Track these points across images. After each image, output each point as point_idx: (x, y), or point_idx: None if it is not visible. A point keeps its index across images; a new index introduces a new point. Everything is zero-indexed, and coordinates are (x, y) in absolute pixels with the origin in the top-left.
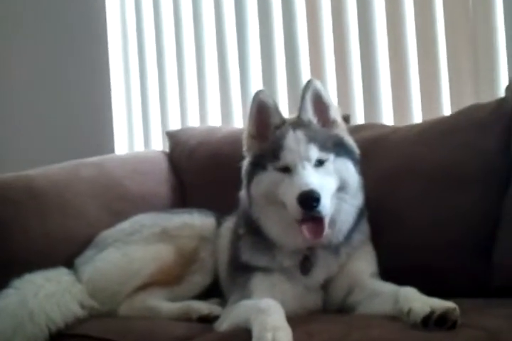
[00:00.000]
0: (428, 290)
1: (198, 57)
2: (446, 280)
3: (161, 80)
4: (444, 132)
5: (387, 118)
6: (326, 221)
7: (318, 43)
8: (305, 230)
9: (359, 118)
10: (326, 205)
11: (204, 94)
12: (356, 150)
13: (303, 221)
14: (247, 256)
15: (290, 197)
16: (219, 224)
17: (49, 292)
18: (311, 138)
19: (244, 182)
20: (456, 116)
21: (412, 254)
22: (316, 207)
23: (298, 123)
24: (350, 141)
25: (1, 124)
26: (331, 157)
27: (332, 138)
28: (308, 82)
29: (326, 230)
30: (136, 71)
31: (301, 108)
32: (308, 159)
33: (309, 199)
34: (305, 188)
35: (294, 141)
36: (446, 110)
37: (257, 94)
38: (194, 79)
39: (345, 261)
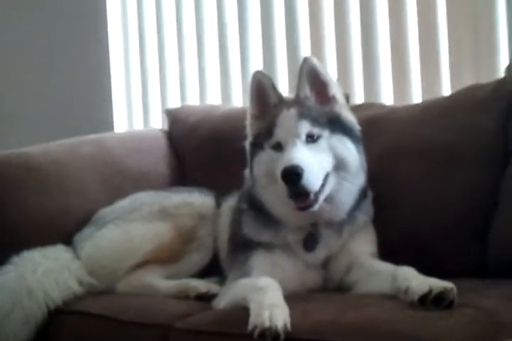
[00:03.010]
0: (425, 271)
1: (198, 35)
2: (443, 260)
3: (160, 58)
4: (443, 112)
5: (386, 98)
6: (318, 197)
7: (318, 22)
8: (292, 201)
9: (358, 98)
10: (311, 180)
11: (204, 72)
12: (356, 127)
13: (291, 197)
14: (250, 230)
15: (279, 175)
16: (218, 203)
17: (47, 269)
18: (303, 115)
19: (247, 162)
20: (456, 97)
21: (408, 235)
22: (298, 181)
23: (293, 101)
24: (349, 117)
25: (1, 102)
26: (325, 133)
27: (327, 114)
28: (305, 60)
29: (316, 205)
30: (136, 48)
31: (298, 86)
32: (298, 135)
33: (291, 174)
34: (287, 164)
35: (285, 118)
36: (446, 90)
37: (255, 74)
38: (194, 57)
39: (346, 240)
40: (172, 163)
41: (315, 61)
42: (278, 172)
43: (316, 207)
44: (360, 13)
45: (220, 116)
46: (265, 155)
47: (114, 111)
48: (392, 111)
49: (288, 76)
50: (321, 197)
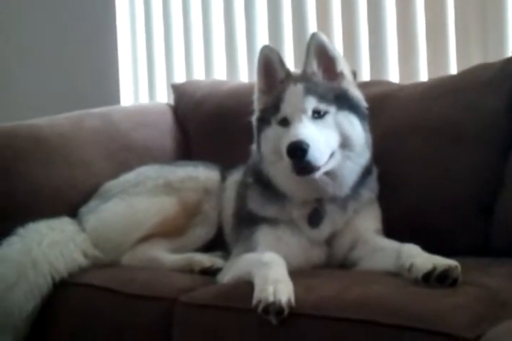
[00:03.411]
0: (430, 249)
1: (204, 10)
2: (448, 239)
3: (166, 32)
4: (450, 91)
5: (393, 75)
6: (319, 168)
7: None
8: (295, 173)
9: (365, 75)
10: (317, 156)
11: (210, 47)
12: (363, 104)
13: (294, 172)
14: (255, 205)
15: (284, 150)
16: (223, 177)
17: (53, 240)
18: (310, 90)
19: (255, 137)
20: (463, 75)
21: (413, 212)
22: (303, 157)
23: (300, 77)
24: (356, 93)
25: (6, 75)
26: (332, 109)
27: (334, 90)
28: (313, 35)
29: (316, 173)
30: (142, 23)
31: (306, 61)
32: (304, 111)
33: (296, 149)
34: (293, 139)
35: (293, 93)
36: (453, 69)
37: (263, 49)
38: (200, 32)
39: (351, 216)
40: (177, 137)
41: (323, 37)
42: (283, 148)
43: (316, 174)
44: None
45: (226, 92)
46: (272, 131)
47: (120, 85)
48: (399, 88)
49: (294, 51)
50: (323, 169)
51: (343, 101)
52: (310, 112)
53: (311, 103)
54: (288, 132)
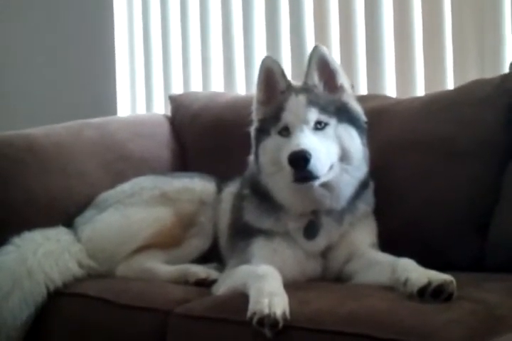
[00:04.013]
0: (425, 264)
1: (203, 22)
2: (443, 254)
3: (164, 43)
4: (447, 106)
5: (390, 90)
6: (318, 180)
7: (323, 11)
8: (295, 183)
9: (362, 89)
10: (318, 166)
11: (208, 59)
12: (362, 118)
13: (295, 181)
14: (251, 216)
15: (285, 159)
16: (220, 189)
17: (48, 250)
18: (312, 102)
19: (253, 148)
20: (460, 91)
21: (409, 227)
22: (305, 166)
23: (302, 88)
24: (355, 107)
25: (4, 83)
26: (333, 122)
27: (335, 102)
28: (315, 48)
29: (316, 181)
30: (140, 34)
31: (307, 73)
32: (306, 122)
33: (299, 159)
34: (295, 148)
35: (294, 103)
36: (450, 84)
37: (264, 60)
38: (198, 43)
39: (347, 229)
40: (174, 148)
41: (324, 49)
42: (284, 157)
43: (315, 183)
44: (365, 4)
45: (223, 104)
46: (272, 141)
47: (117, 96)
48: (396, 103)
49: (292, 63)
50: (322, 178)
51: (343, 113)
52: (312, 123)
53: (314, 114)
54: (289, 142)
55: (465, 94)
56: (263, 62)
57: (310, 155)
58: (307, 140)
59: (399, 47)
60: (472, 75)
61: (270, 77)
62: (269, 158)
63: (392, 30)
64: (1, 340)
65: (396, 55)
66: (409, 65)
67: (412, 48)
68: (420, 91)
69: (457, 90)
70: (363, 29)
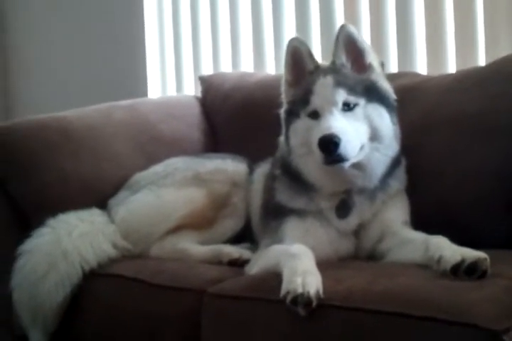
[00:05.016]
0: (457, 242)
1: (232, 2)
2: (473, 232)
3: (194, 24)
4: (478, 82)
5: (421, 67)
6: (348, 161)
7: None
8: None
9: (393, 67)
10: (348, 149)
11: (237, 39)
12: (392, 96)
13: (325, 164)
14: (283, 196)
15: (315, 142)
16: (251, 170)
17: (83, 232)
18: (340, 83)
19: (283, 130)
20: (491, 67)
21: (441, 205)
22: (335, 150)
23: (330, 69)
24: (385, 85)
25: (39, 68)
26: (362, 102)
27: (363, 82)
28: (342, 27)
29: (346, 163)
30: (170, 15)
31: (335, 53)
32: (334, 103)
33: (329, 143)
34: (326, 132)
35: (322, 85)
36: (481, 60)
37: (291, 41)
38: (227, 23)
39: (379, 208)
40: (205, 129)
41: (352, 28)
42: (314, 140)
43: (346, 164)
44: None
45: (253, 84)
46: (301, 123)
47: (148, 77)
48: (426, 80)
49: (321, 43)
50: (353, 160)
51: (372, 93)
52: (340, 105)
53: (341, 95)
54: (319, 125)
55: (496, 71)
56: (289, 43)
57: (339, 139)
58: (337, 123)
59: (429, 24)
60: (504, 51)
61: (297, 59)
62: (299, 140)
63: (423, 6)
64: (38, 321)
65: (427, 32)
66: (440, 42)
67: (443, 25)
68: (451, 68)
69: (488, 66)
70: (393, 6)
